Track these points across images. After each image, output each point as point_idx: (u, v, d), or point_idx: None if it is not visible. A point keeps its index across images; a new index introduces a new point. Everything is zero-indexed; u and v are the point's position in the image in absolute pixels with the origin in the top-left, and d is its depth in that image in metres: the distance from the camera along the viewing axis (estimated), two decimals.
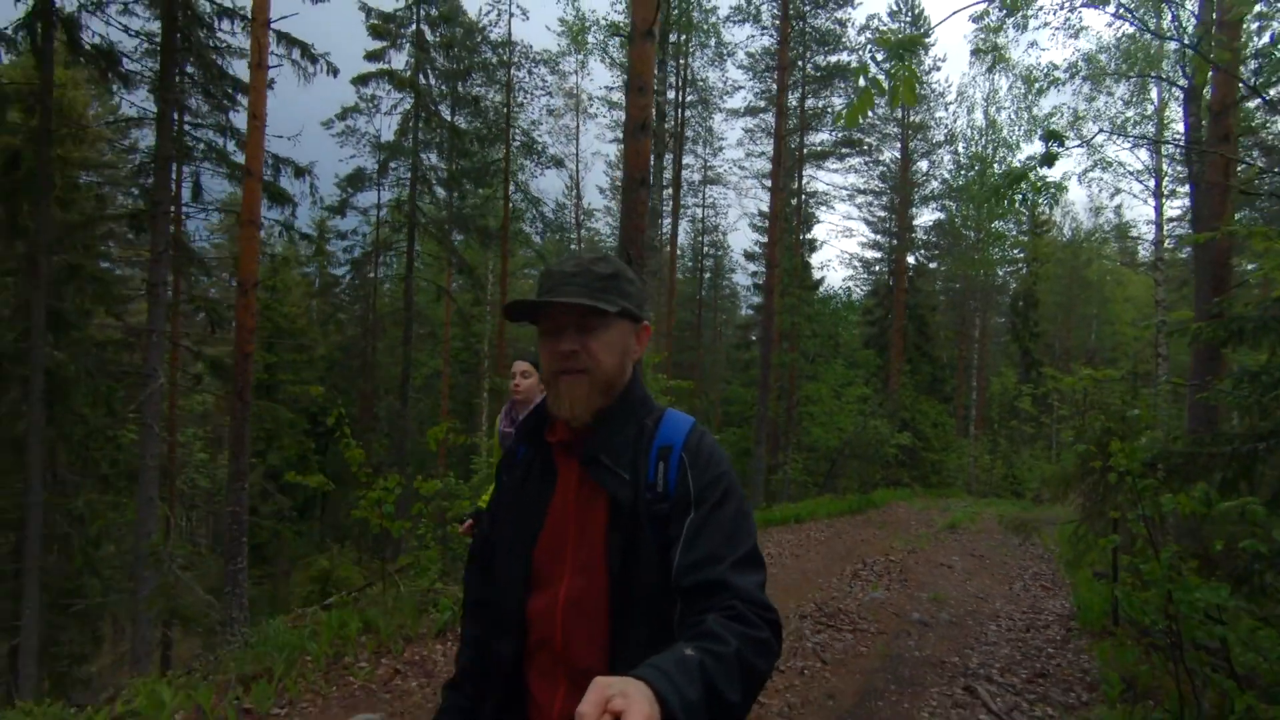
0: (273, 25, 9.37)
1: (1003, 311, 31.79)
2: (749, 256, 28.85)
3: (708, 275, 30.87)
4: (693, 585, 0.96)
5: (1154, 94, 14.11)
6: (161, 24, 9.87)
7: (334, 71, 11.24)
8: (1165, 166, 15.87)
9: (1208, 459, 3.64)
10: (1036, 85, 13.29)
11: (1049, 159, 3.56)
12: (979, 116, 28.14)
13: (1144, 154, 15.58)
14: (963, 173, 23.95)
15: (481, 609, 1.20)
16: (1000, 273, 29.83)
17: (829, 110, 21.66)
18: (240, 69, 10.66)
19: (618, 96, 20.25)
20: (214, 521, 22.31)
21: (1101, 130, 13.27)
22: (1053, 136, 3.59)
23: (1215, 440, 3.86)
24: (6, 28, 8.83)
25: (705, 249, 29.08)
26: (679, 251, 24.90)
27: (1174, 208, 20.03)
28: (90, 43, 9.61)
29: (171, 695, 3.26)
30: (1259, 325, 3.81)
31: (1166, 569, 2.98)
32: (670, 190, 20.81)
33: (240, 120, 10.74)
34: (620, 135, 20.50)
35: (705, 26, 18.44)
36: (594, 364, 1.07)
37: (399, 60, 17.89)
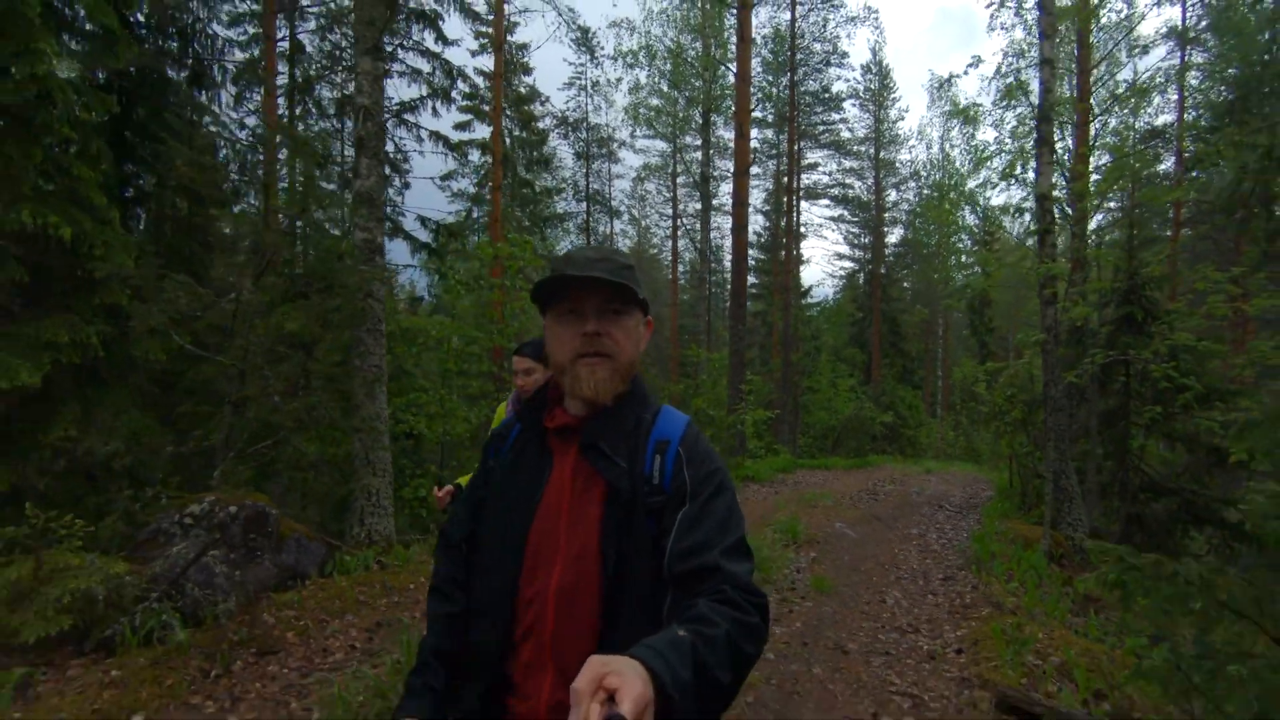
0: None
1: (961, 310, 37.59)
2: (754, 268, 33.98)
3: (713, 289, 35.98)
4: (685, 571, 0.96)
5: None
6: None
7: (443, 140, 16.09)
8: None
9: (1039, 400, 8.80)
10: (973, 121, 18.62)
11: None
12: (935, 150, 33.91)
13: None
14: (924, 194, 29.66)
15: (457, 590, 1.18)
16: (958, 277, 35.56)
17: (818, 166, 26.98)
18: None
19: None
20: None
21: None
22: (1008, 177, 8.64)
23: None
24: None
25: (712, 265, 34.21)
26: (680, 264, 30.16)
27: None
28: None
29: None
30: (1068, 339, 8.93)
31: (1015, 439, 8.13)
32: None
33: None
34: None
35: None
36: (617, 349, 1.08)
37: (483, 129, 22.69)
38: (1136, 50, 15.69)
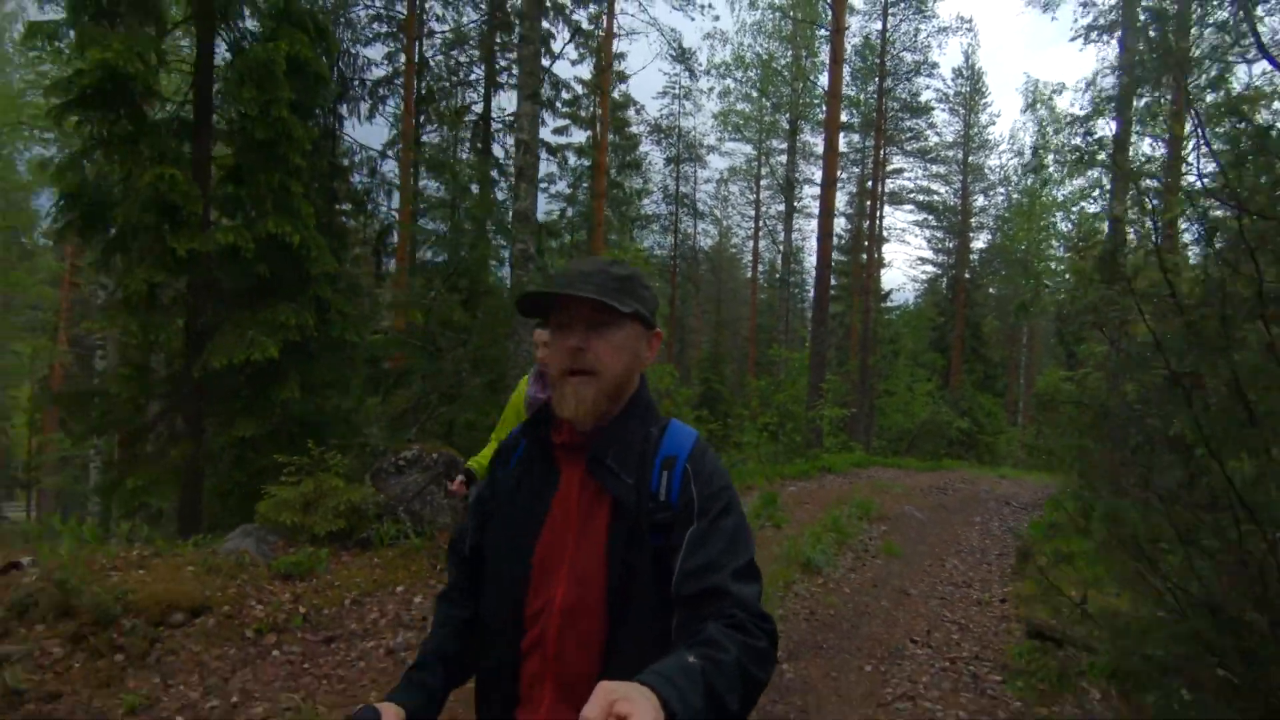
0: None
1: (1051, 318, 36.74)
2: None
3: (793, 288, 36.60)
4: (693, 593, 0.96)
5: None
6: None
7: (547, 147, 17.59)
8: None
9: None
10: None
11: None
12: (1028, 155, 33.23)
13: None
14: (1014, 200, 29.38)
15: (464, 597, 1.20)
16: (1048, 284, 34.81)
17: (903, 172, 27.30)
18: None
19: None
20: None
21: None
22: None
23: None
24: None
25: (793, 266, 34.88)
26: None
27: None
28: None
29: None
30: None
31: None
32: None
33: None
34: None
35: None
36: (602, 366, 1.06)
37: (579, 134, 24.27)
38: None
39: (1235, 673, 2.04)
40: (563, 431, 1.10)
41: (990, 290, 36.95)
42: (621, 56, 22.80)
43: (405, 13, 15.90)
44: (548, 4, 17.25)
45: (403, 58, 15.92)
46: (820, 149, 25.57)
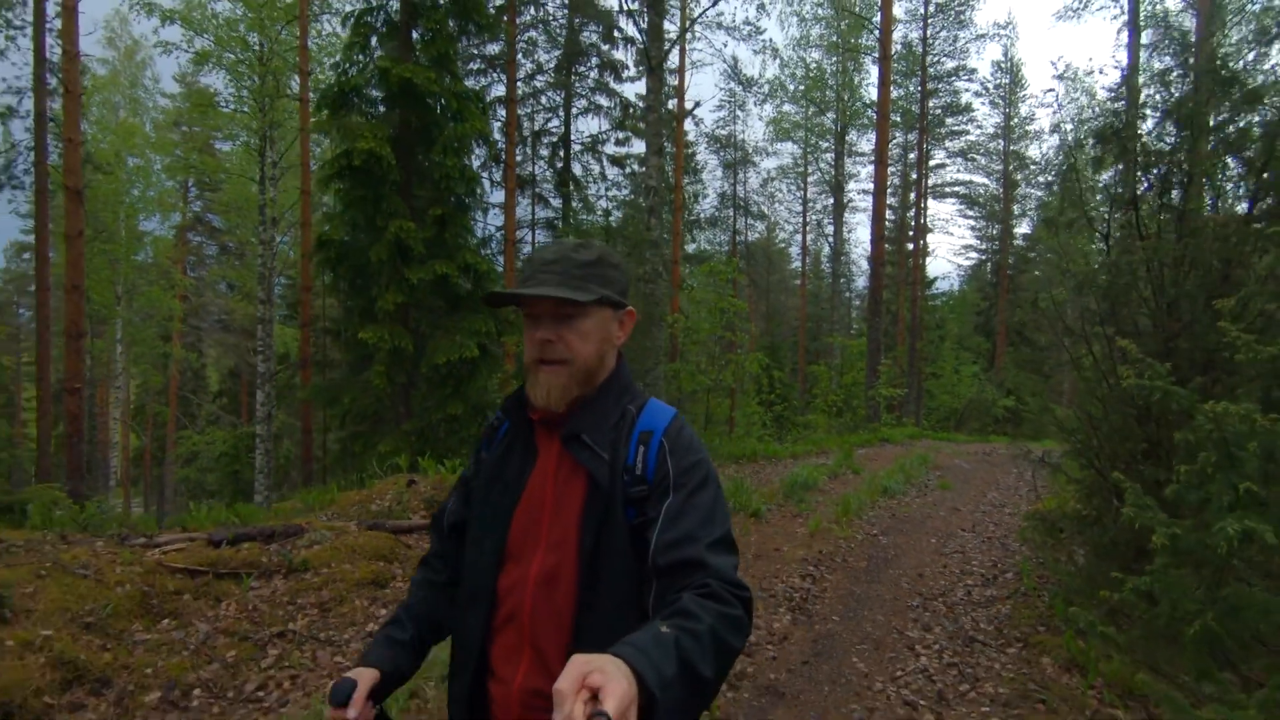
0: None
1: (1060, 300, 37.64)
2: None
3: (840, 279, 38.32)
4: (669, 564, 0.98)
5: None
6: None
7: (617, 162, 19.89)
8: None
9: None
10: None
11: None
12: (1070, 140, 34.29)
13: None
14: (1055, 186, 30.63)
15: (440, 562, 1.27)
16: (1096, 266, 35.73)
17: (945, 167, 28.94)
18: None
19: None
20: None
21: None
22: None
23: None
24: None
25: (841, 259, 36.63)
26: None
27: None
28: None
29: None
30: None
31: None
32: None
33: None
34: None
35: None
36: (572, 354, 1.09)
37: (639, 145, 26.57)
38: None
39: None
40: (539, 410, 1.14)
41: (1036, 273, 38.13)
42: (673, 72, 25.00)
43: (499, 51, 18.20)
44: (617, 35, 19.68)
45: (497, 90, 18.23)
46: (864, 147, 27.39)
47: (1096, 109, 20.00)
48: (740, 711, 3.25)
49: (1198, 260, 3.27)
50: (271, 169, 15.47)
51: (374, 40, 9.81)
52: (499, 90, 18.15)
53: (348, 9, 14.00)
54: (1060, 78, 24.27)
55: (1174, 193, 3.59)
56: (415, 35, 9.74)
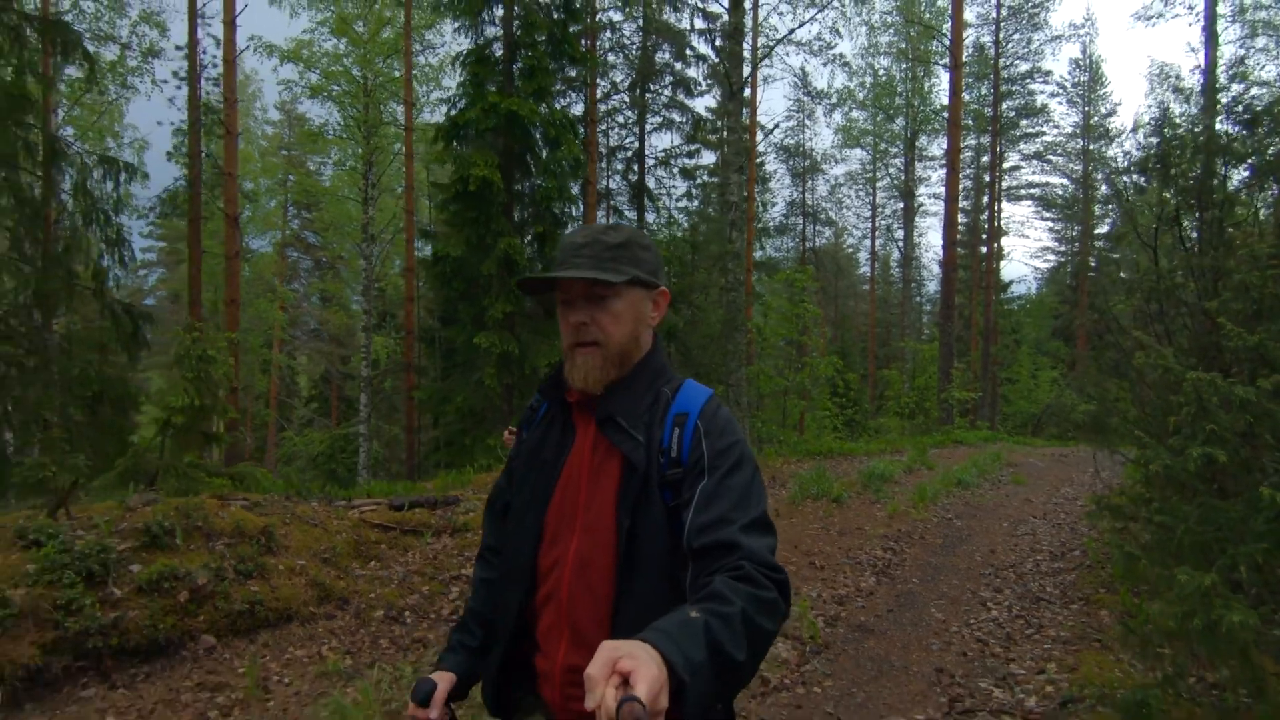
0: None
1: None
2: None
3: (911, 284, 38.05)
4: (703, 546, 0.98)
5: None
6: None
7: (689, 176, 20.63)
8: None
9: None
10: None
11: None
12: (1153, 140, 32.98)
13: None
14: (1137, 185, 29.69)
15: (496, 556, 1.28)
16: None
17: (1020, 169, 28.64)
18: None
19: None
20: None
21: None
22: None
23: None
24: None
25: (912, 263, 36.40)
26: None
27: None
28: None
29: None
30: None
31: None
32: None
33: None
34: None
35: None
36: (605, 336, 1.11)
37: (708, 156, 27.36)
38: None
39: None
40: (575, 391, 1.15)
41: (1122, 275, 36.83)
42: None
43: (578, 73, 19.31)
44: (689, 54, 20.58)
45: (576, 109, 19.32)
46: (935, 152, 27.34)
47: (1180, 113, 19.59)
48: (838, 639, 3.99)
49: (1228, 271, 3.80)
50: (372, 190, 17.03)
51: (479, 75, 11.00)
52: (578, 109, 19.28)
53: (452, 48, 15.39)
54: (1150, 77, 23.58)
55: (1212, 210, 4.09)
56: (516, 68, 10.85)
